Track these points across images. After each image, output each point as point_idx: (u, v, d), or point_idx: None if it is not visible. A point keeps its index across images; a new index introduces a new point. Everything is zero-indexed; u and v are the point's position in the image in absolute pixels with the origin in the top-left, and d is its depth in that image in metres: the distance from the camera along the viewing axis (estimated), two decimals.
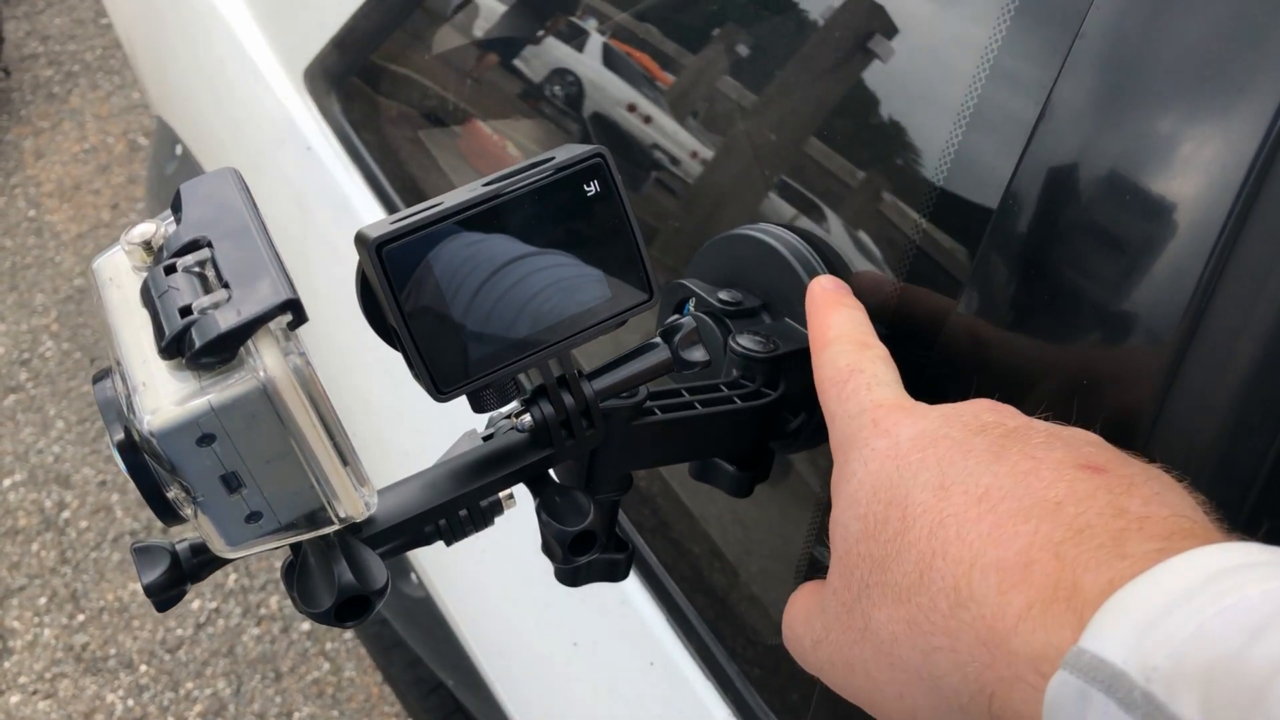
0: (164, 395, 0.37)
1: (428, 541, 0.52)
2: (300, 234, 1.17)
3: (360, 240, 0.46)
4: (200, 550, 0.46)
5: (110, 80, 3.48)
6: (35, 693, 2.10)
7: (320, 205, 1.14)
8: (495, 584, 1.00)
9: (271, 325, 0.38)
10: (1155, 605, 0.32)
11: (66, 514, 2.38)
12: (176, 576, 0.46)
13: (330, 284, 1.11)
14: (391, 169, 1.09)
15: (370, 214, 1.08)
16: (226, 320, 0.37)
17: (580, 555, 0.51)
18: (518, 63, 0.98)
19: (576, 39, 0.91)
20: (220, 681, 2.09)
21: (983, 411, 0.46)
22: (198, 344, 0.37)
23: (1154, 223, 0.48)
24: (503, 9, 1.01)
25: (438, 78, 1.06)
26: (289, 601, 2.32)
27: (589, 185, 0.48)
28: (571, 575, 0.58)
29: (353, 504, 0.42)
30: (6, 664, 2.14)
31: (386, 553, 0.51)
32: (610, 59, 0.87)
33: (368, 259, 0.46)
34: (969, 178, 0.56)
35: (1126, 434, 0.47)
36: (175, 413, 0.37)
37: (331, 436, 0.40)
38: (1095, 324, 0.50)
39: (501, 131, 1.01)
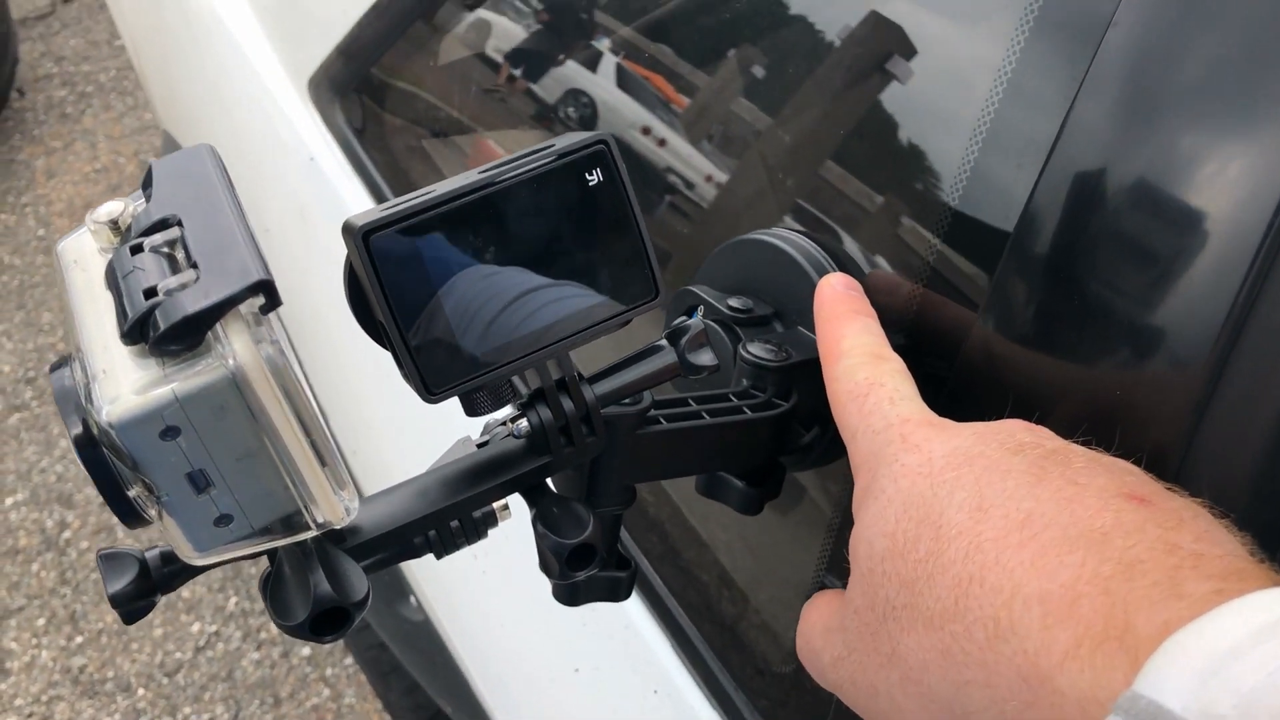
0: (124, 384, 0.34)
1: (417, 554, 0.49)
2: (302, 246, 1.15)
3: (347, 230, 0.43)
4: (171, 558, 0.43)
5: (123, 101, 3.48)
6: (31, 715, 2.06)
7: (322, 217, 1.12)
8: (495, 606, 0.97)
9: (243, 309, 0.35)
10: (1218, 650, 0.30)
11: (68, 534, 2.35)
12: (145, 586, 0.43)
13: (332, 297, 1.08)
14: (395, 180, 1.07)
15: None
16: (193, 302, 0.34)
17: (578, 570, 0.48)
18: (520, 73, 0.96)
19: (583, 51, 0.88)
20: (219, 706, 2.06)
21: (1018, 431, 0.43)
22: (162, 327, 0.34)
23: (1185, 241, 0.45)
24: (500, 21, 0.99)
25: (440, 89, 1.04)
26: None
27: (591, 174, 0.45)
28: (570, 592, 0.55)
29: (331, 509, 0.39)
30: (3, 686, 2.10)
31: (374, 565, 0.47)
32: (621, 75, 0.84)
33: (354, 249, 0.43)
34: (988, 190, 0.53)
35: (1155, 465, 0.44)
36: (136, 402, 0.34)
37: (308, 433, 0.37)
38: (1120, 347, 0.47)
39: (503, 143, 0.99)
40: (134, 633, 2.18)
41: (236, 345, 0.34)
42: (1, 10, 3.20)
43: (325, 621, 0.40)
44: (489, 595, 0.97)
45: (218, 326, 0.34)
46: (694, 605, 0.79)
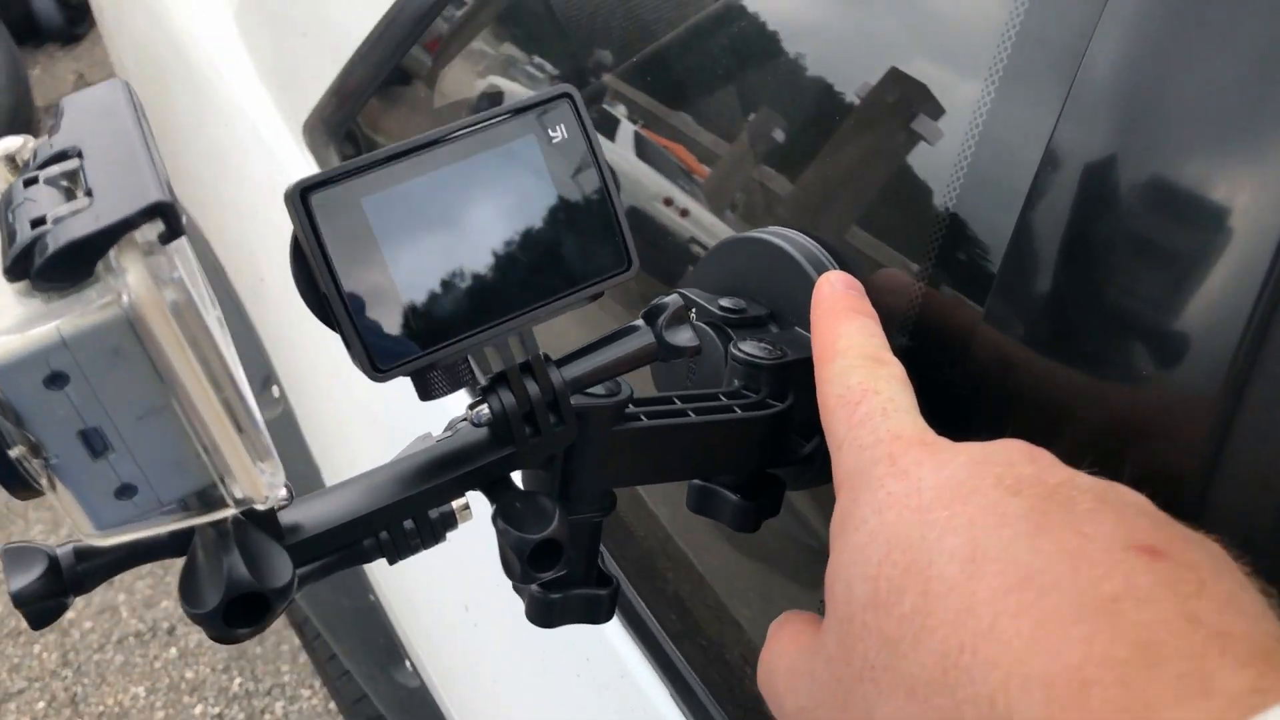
0: (3, 322, 0.30)
1: (367, 558, 0.44)
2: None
3: (286, 195, 0.40)
4: (85, 554, 0.38)
5: None
6: None
7: None
8: (487, 659, 0.91)
9: (139, 238, 0.31)
10: None
11: (71, 614, 2.30)
12: (54, 585, 0.38)
13: (329, 342, 1.05)
14: None
15: None
16: (81, 227, 0.30)
17: (542, 570, 0.42)
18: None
19: (581, 83, 0.86)
20: None
21: (1018, 460, 0.38)
22: (47, 254, 0.30)
23: (1202, 238, 0.41)
24: (507, 85, 0.97)
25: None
26: (295, 709, 2.20)
27: (555, 130, 0.41)
28: (545, 611, 0.49)
29: (251, 482, 0.34)
30: None
31: (318, 570, 0.43)
32: (640, 144, 0.81)
33: (294, 211, 0.39)
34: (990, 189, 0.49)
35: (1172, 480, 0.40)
36: (15, 342, 0.30)
37: (219, 389, 0.32)
38: (1136, 354, 0.43)
39: None
40: (135, 715, 2.11)
41: (131, 278, 0.30)
42: (25, 97, 3.26)
43: (241, 610, 0.35)
44: (480, 649, 0.91)
45: (111, 257, 0.30)
46: (692, 651, 0.73)
